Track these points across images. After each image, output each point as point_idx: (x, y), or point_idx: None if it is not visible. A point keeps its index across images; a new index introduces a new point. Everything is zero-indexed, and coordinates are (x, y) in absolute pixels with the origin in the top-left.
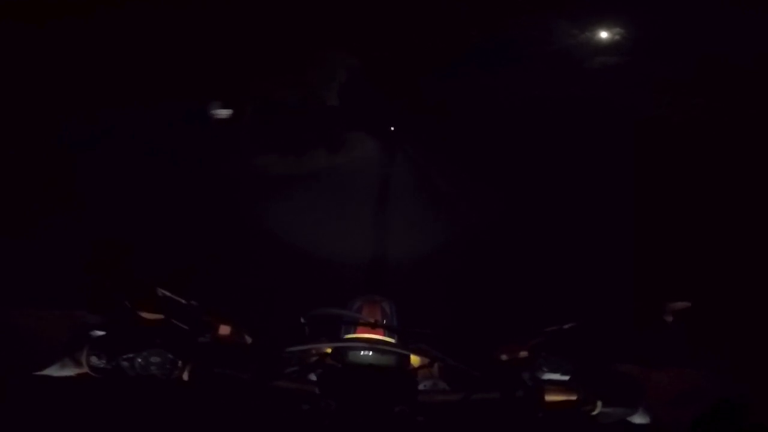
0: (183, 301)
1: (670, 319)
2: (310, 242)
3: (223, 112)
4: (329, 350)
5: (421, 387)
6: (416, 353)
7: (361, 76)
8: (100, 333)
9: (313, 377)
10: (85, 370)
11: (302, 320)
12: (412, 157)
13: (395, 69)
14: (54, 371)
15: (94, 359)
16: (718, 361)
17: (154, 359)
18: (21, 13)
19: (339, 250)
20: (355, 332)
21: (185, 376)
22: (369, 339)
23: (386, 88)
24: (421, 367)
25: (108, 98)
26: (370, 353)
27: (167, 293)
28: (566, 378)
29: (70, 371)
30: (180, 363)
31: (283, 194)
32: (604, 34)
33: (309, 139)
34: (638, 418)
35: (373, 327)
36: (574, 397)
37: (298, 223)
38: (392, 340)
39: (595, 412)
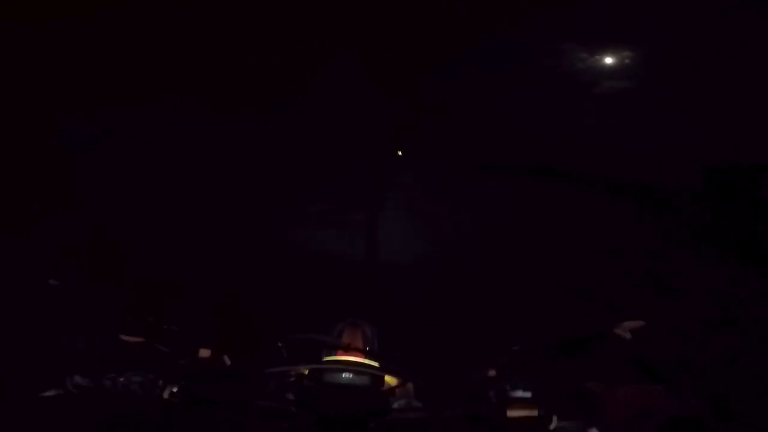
0: (164, 327)
1: (628, 337)
2: (303, 246)
3: None
4: (306, 372)
5: (395, 405)
6: (388, 374)
7: (361, 76)
8: (84, 354)
9: (290, 397)
10: (68, 388)
11: (279, 344)
12: (408, 165)
13: (396, 73)
14: (38, 391)
15: (77, 378)
16: (677, 378)
17: (136, 379)
18: (21, 13)
19: (329, 256)
20: (333, 355)
21: (166, 395)
22: (344, 361)
23: (386, 89)
24: (396, 386)
25: (108, 98)
26: (346, 374)
27: (150, 319)
28: (528, 395)
29: (53, 390)
30: (161, 383)
31: (279, 198)
32: (610, 59)
33: (307, 141)
34: None
35: (347, 350)
36: (534, 413)
37: (291, 227)
38: (368, 362)
39: (552, 427)
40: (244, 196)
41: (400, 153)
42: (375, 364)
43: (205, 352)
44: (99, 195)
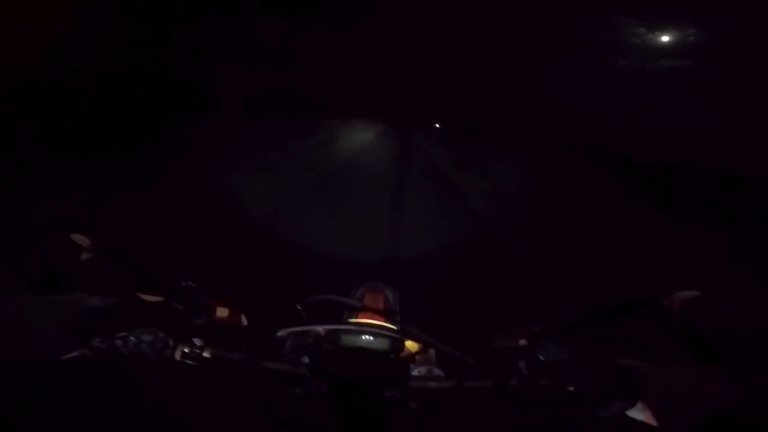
0: (181, 283)
1: (677, 308)
2: (319, 237)
3: None
4: (323, 333)
5: (415, 373)
6: (409, 338)
7: (383, 70)
8: (99, 313)
9: (306, 360)
10: (83, 349)
11: (299, 306)
12: (425, 153)
13: (421, 63)
14: (54, 352)
15: (91, 338)
16: (731, 358)
17: (146, 338)
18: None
19: (348, 245)
20: (354, 318)
21: (177, 356)
22: (361, 323)
23: (408, 82)
24: (417, 352)
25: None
26: (364, 337)
27: (166, 275)
28: (564, 367)
29: (69, 352)
30: (171, 342)
31: (292, 189)
32: (670, 36)
33: (319, 133)
34: (637, 414)
35: (367, 311)
36: (570, 388)
37: (309, 218)
38: (388, 325)
39: (591, 405)
40: (251, 191)
41: (437, 125)
42: (395, 327)
43: (222, 311)
44: (99, 187)
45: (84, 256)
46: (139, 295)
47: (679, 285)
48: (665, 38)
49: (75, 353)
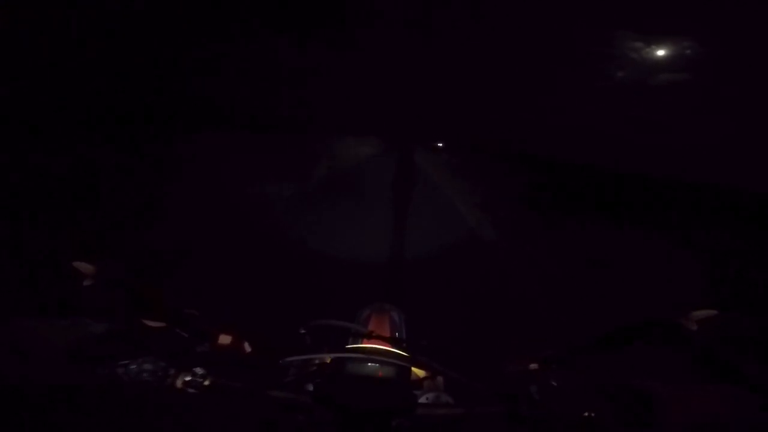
0: (184, 310)
1: (694, 328)
2: (322, 247)
3: None
4: (328, 361)
5: (422, 400)
6: (416, 366)
7: (383, 83)
8: (101, 340)
9: (310, 388)
10: (84, 375)
11: (302, 331)
12: (425, 165)
13: (426, 76)
14: (55, 377)
15: (92, 365)
16: (753, 377)
17: (147, 366)
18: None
19: (351, 256)
20: (358, 343)
21: (179, 384)
22: (367, 349)
23: (411, 101)
24: (424, 379)
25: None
26: (370, 364)
27: (170, 301)
28: (577, 393)
29: (70, 377)
30: (173, 370)
31: (293, 199)
32: (667, 50)
33: (322, 144)
34: None
35: (373, 338)
36: (584, 414)
37: (310, 228)
38: (395, 351)
39: (608, 430)
40: (254, 200)
41: (440, 144)
42: (402, 353)
43: (225, 339)
44: (103, 198)
45: (86, 283)
46: (142, 321)
47: (696, 305)
48: (662, 52)
49: (75, 379)
